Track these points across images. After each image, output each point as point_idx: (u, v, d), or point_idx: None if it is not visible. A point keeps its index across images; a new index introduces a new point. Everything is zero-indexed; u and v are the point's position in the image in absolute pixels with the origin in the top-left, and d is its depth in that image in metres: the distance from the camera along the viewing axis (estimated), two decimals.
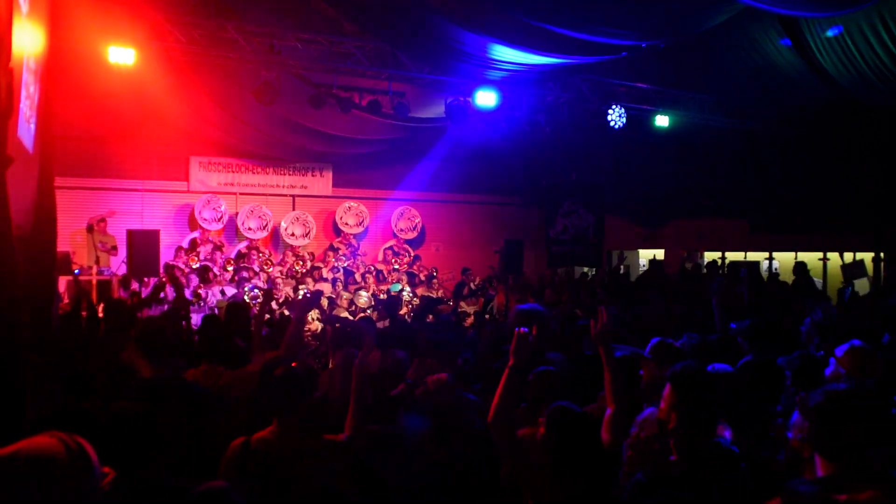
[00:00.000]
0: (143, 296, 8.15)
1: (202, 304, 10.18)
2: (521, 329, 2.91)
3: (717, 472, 2.43)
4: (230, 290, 11.03)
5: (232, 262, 12.45)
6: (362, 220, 14.42)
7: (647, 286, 11.25)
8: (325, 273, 12.60)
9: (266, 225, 13.38)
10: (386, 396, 3.71)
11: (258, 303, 10.51)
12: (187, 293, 9.93)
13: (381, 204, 14.87)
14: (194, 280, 10.58)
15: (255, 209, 13.37)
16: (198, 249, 12.32)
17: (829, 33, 9.03)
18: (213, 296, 10.66)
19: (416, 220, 14.88)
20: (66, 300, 9.29)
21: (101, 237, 11.05)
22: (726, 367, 3.45)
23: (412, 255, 14.48)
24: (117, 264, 10.93)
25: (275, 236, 13.82)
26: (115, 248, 11.04)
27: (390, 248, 14.52)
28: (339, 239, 14.16)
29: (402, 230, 14.73)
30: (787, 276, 12.21)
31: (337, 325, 5.49)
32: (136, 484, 2.28)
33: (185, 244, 12.45)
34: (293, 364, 3.21)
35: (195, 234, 12.76)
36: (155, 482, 2.32)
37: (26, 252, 4.81)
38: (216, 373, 4.01)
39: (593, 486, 2.50)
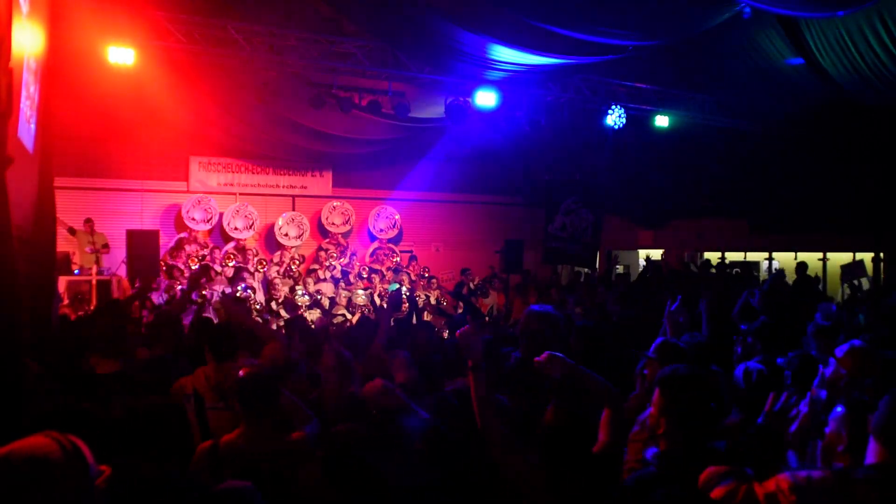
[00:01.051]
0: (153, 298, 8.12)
1: (208, 303, 10.17)
2: (464, 327, 2.82)
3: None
4: (229, 292, 11.01)
5: (232, 256, 12.36)
6: (348, 219, 14.23)
7: (647, 286, 11.24)
8: (322, 273, 12.54)
9: (252, 224, 13.16)
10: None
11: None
12: (193, 294, 9.91)
13: (380, 204, 14.81)
14: None
15: (241, 208, 13.17)
16: (184, 248, 12.25)
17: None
18: (216, 296, 10.64)
19: (395, 218, 14.69)
20: (66, 300, 9.30)
21: (90, 237, 10.89)
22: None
23: (398, 252, 14.42)
24: (117, 264, 10.91)
25: (269, 236, 13.76)
26: (106, 245, 10.90)
27: (379, 248, 14.44)
28: (328, 240, 14.00)
29: (381, 230, 14.58)
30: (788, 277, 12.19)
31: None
32: (137, 482, 2.27)
33: (171, 243, 12.39)
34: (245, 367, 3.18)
35: (183, 235, 12.66)
36: (157, 480, 2.31)
37: (26, 252, 4.81)
38: (225, 369, 4.00)
39: (591, 487, 2.49)
